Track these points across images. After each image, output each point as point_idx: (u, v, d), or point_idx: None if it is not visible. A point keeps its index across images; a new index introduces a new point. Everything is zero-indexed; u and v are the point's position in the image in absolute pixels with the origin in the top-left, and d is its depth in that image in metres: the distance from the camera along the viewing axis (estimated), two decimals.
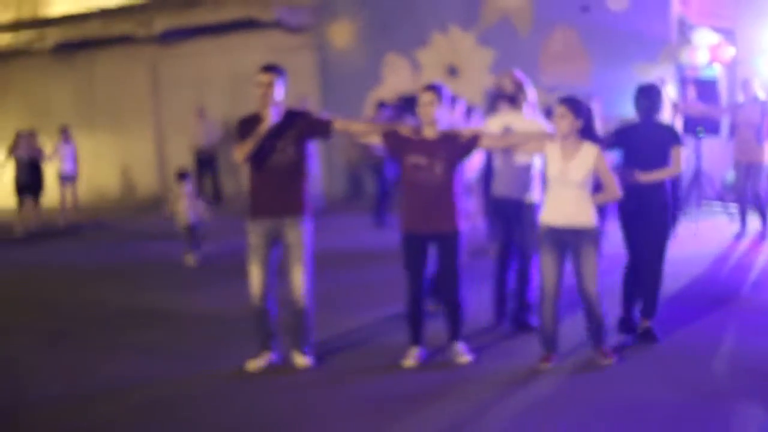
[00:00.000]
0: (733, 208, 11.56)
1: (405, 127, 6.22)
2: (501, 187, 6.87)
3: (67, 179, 15.18)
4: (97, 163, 21.14)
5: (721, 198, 12.56)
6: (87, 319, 8.24)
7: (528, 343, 6.47)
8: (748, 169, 10.89)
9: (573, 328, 6.60)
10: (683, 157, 6.42)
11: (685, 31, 13.76)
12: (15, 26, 21.58)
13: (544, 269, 6.00)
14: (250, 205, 6.19)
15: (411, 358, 6.21)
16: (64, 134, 15.27)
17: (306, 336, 6.28)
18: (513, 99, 6.70)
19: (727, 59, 13.25)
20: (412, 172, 6.04)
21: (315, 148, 14.68)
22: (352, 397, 5.65)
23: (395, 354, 6.34)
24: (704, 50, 13.19)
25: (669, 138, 6.39)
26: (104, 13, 20.45)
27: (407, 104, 13.88)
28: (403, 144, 6.07)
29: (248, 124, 6.12)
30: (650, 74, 13.48)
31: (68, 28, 20.60)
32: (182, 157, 19.09)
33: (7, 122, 22.46)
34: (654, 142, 6.38)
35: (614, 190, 5.99)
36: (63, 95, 21.68)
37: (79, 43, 20.68)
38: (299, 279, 6.16)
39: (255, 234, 6.15)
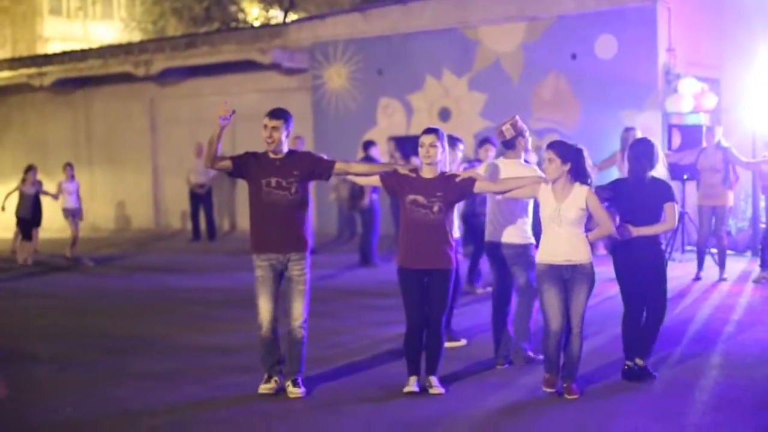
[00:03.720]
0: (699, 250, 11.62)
1: (404, 168, 6.50)
2: (493, 232, 7.10)
3: (72, 214, 15.44)
4: (93, 198, 21.37)
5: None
6: (94, 348, 8.34)
7: (528, 375, 6.71)
8: (711, 214, 11.17)
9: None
10: (676, 213, 6.56)
11: (670, 79, 14.18)
12: (14, 63, 21.94)
13: (547, 306, 6.21)
14: (257, 240, 6.41)
15: (411, 386, 6.34)
16: (70, 170, 15.57)
17: (300, 365, 6.45)
18: (511, 144, 6.93)
19: (710, 107, 13.63)
20: (411, 210, 6.30)
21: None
22: (347, 425, 5.80)
23: (386, 384, 6.55)
24: (689, 98, 13.58)
25: (662, 193, 6.51)
26: (103, 52, 20.85)
27: (398, 145, 14.19)
28: (403, 183, 6.35)
29: (254, 156, 6.47)
30: (636, 120, 13.86)
31: (67, 65, 20.97)
32: (177, 193, 19.36)
33: (4, 157, 22.77)
34: (647, 198, 6.48)
35: (608, 225, 6.25)
36: (60, 131, 21.98)
37: (77, 80, 21.06)
38: (300, 310, 6.39)
39: (262, 268, 6.39)
